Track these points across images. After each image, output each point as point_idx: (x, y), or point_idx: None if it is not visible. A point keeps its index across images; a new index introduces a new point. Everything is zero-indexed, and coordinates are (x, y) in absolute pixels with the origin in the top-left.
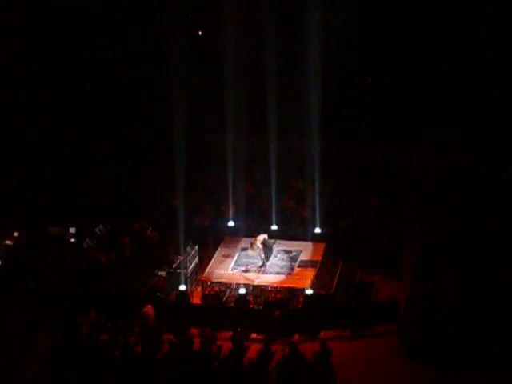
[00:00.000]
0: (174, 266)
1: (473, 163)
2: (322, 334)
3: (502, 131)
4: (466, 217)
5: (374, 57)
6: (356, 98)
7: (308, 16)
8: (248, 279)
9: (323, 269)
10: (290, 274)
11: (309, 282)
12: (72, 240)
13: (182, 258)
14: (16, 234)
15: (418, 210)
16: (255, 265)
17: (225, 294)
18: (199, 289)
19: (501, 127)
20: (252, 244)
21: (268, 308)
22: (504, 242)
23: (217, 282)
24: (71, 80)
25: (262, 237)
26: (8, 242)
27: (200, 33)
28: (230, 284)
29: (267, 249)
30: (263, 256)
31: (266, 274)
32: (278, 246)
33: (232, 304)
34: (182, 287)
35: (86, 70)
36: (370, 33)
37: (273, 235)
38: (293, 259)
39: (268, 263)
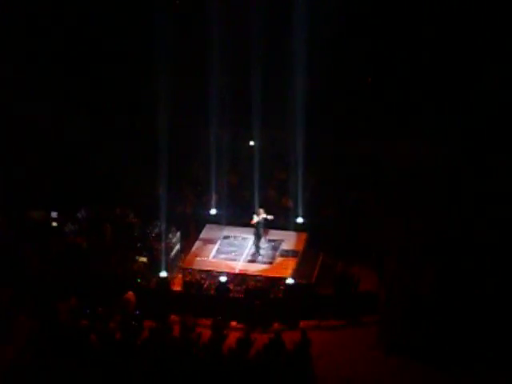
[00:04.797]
0: (155, 252)
1: (457, 158)
2: (301, 323)
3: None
4: (448, 211)
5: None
6: (342, 90)
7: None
8: (229, 267)
9: (304, 259)
10: (271, 263)
11: (290, 271)
12: (54, 224)
13: (163, 244)
14: None
15: (400, 204)
16: (238, 253)
17: (205, 282)
18: (180, 276)
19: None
20: (258, 214)
21: (248, 297)
22: (484, 236)
23: (198, 270)
24: (58, 68)
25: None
26: None
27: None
28: (211, 272)
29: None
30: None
31: (248, 262)
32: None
33: (212, 292)
34: (163, 274)
35: (73, 59)
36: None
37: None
38: (274, 248)
39: (250, 252)
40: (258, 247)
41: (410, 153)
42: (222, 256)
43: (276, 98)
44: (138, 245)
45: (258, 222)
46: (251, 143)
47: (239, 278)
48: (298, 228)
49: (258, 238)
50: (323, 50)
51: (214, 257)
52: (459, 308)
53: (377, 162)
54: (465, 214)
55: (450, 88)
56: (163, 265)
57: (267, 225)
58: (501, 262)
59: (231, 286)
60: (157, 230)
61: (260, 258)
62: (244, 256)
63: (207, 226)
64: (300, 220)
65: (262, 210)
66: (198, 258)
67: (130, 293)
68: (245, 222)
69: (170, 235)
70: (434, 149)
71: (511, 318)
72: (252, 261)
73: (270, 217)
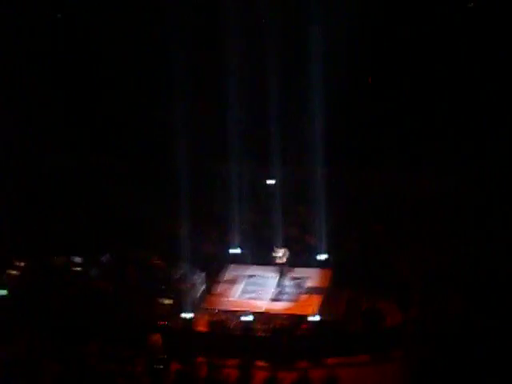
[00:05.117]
0: (180, 293)
1: (478, 189)
2: (329, 360)
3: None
4: (471, 243)
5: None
6: (361, 122)
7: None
8: (254, 306)
9: (330, 295)
10: (296, 300)
11: (315, 308)
12: (77, 269)
13: (188, 285)
14: (21, 263)
15: (423, 236)
16: (262, 292)
17: (231, 322)
18: (206, 316)
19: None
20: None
21: (275, 335)
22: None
23: (223, 310)
24: (75, 105)
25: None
26: (13, 272)
27: None
28: (236, 311)
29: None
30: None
31: (273, 301)
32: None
33: (238, 331)
34: (188, 315)
35: (89, 97)
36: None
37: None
38: (299, 286)
39: (276, 290)
40: (282, 286)
41: (426, 184)
42: (247, 295)
43: (295, 134)
44: (163, 287)
45: (282, 261)
46: (270, 182)
47: (265, 317)
48: (322, 265)
49: (282, 276)
50: (340, 80)
51: (238, 296)
52: (486, 337)
53: (395, 194)
54: (486, 242)
55: (461, 119)
56: (188, 306)
57: (291, 263)
58: None
59: (257, 326)
60: (181, 272)
61: (285, 296)
62: (269, 295)
63: (231, 265)
64: (324, 256)
65: (277, 248)
66: (223, 299)
67: (157, 335)
68: (268, 261)
69: (195, 276)
70: (447, 179)
71: None
72: (277, 299)
73: (287, 252)
